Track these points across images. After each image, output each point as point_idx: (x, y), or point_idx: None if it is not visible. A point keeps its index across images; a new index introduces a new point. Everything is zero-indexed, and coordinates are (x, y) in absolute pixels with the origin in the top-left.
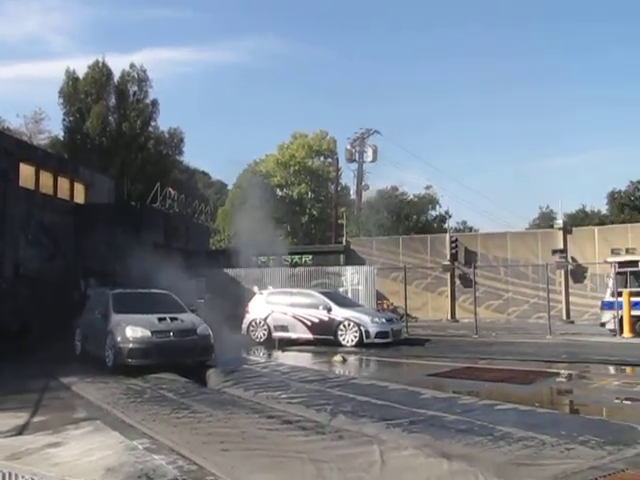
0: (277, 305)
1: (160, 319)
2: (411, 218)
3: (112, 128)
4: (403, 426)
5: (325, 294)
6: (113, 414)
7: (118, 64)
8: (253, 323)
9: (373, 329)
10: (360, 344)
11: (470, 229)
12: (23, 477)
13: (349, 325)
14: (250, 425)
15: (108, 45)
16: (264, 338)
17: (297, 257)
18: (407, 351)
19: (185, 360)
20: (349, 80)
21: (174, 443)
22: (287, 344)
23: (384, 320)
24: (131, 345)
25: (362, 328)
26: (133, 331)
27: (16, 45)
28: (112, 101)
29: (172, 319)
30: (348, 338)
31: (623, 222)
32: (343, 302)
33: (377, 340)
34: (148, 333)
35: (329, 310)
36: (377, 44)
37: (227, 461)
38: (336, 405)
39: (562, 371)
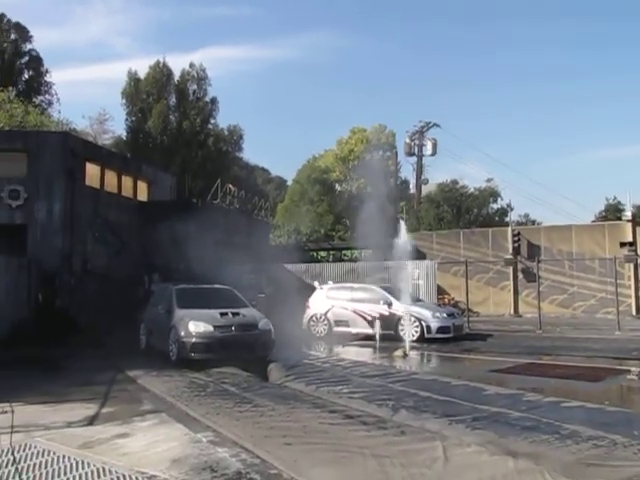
0: (337, 300)
1: (222, 314)
2: (472, 211)
3: (173, 127)
4: (466, 422)
5: (385, 289)
6: (177, 407)
7: (178, 64)
8: (314, 318)
9: (434, 324)
10: (421, 339)
11: (533, 222)
12: (95, 465)
13: (410, 320)
14: (312, 419)
15: (168, 45)
16: (325, 333)
17: (357, 251)
18: (469, 346)
19: (247, 355)
20: (407, 73)
21: (237, 436)
22: (348, 339)
23: (445, 315)
24: (194, 339)
25: (423, 323)
26: (196, 326)
27: (82, 49)
28: (172, 100)
29: (234, 314)
30: (409, 333)
31: None
32: (404, 297)
33: (438, 335)
34: (210, 328)
35: (390, 305)
36: (435, 36)
37: (289, 455)
38: (398, 400)
39: (633, 368)
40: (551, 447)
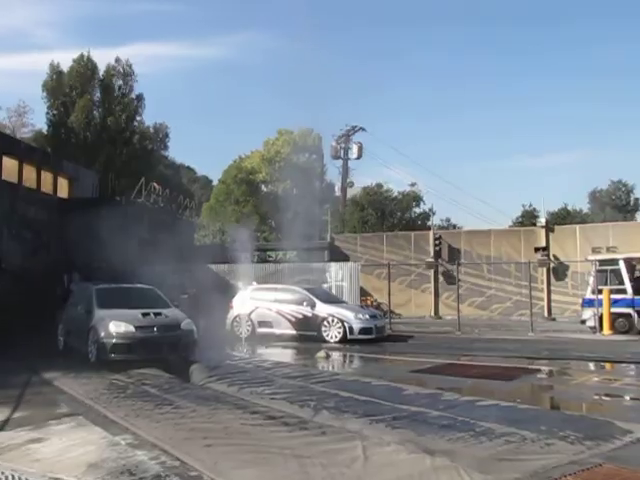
0: (261, 301)
1: (144, 314)
2: (395, 215)
3: (97, 122)
4: (386, 422)
5: (309, 290)
6: (96, 410)
7: (105, 58)
8: (237, 319)
9: (357, 325)
10: (344, 340)
11: (454, 226)
12: (3, 473)
13: (333, 321)
14: (233, 421)
15: (94, 38)
16: (248, 334)
17: (281, 253)
18: (390, 347)
19: (169, 355)
20: (336, 77)
21: (157, 439)
22: (271, 340)
23: (368, 316)
24: (114, 340)
25: (346, 324)
26: (116, 326)
27: (1, 37)
28: (97, 95)
29: (156, 314)
30: (332, 334)
31: (604, 221)
32: (327, 298)
33: (361, 336)
34: (132, 328)
35: (313, 306)
36: (361, 41)
37: (210, 457)
38: (319, 401)
39: (543, 368)
40: (466, 444)
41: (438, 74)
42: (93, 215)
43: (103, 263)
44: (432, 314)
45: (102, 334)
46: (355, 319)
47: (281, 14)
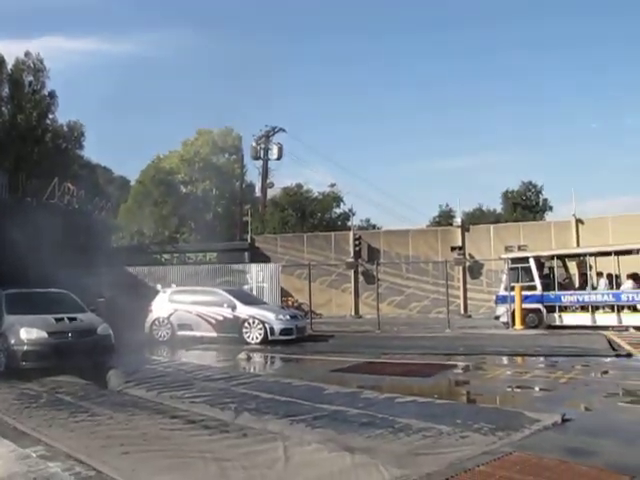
0: (181, 303)
1: (57, 319)
2: (315, 216)
3: (6, 119)
4: (307, 422)
5: (229, 292)
6: (4, 422)
7: (12, 52)
8: (156, 322)
9: (278, 326)
10: (265, 341)
11: (373, 226)
12: None
13: (254, 323)
14: (152, 426)
15: (1, 30)
16: (168, 337)
17: (201, 254)
18: (311, 347)
19: (85, 361)
20: (254, 77)
21: (71, 449)
22: (191, 343)
23: (288, 317)
24: (26, 347)
25: (267, 325)
26: (28, 332)
27: None
28: (5, 91)
29: (70, 319)
30: (253, 335)
31: (516, 220)
32: (248, 300)
33: (282, 337)
34: (44, 334)
35: (233, 308)
36: (285, 46)
37: (128, 464)
38: (240, 403)
39: (459, 363)
40: (385, 440)
41: (361, 79)
42: (2, 217)
43: (13, 267)
44: (352, 313)
45: (12, 341)
46: (276, 320)
47: (203, 11)
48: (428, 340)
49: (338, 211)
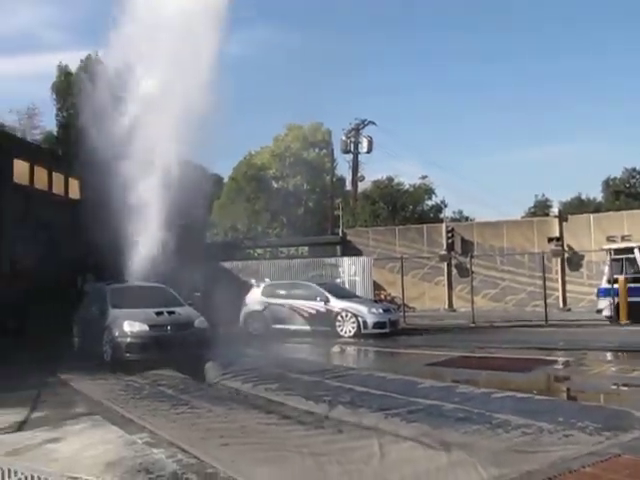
0: (274, 297)
1: (157, 313)
2: (407, 208)
3: None
4: (402, 416)
5: (322, 285)
6: (112, 409)
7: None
8: (251, 315)
9: (371, 319)
10: (358, 335)
11: (466, 218)
12: (23, 473)
13: (346, 316)
14: (249, 420)
15: (101, 38)
16: (262, 330)
17: (293, 249)
18: (405, 341)
19: (182, 354)
20: (345, 70)
21: (173, 437)
22: (285, 336)
23: (381, 310)
24: (129, 339)
25: (360, 319)
26: (131, 325)
27: (10, 39)
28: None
29: (169, 312)
30: (346, 329)
31: (618, 209)
32: (340, 293)
33: (375, 330)
34: (146, 327)
35: (326, 301)
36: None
37: (227, 455)
38: (335, 396)
39: (559, 358)
40: (483, 437)
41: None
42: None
43: (116, 263)
44: (446, 307)
45: (116, 333)
46: (369, 313)
47: (290, 8)
48: (525, 334)
49: (430, 203)
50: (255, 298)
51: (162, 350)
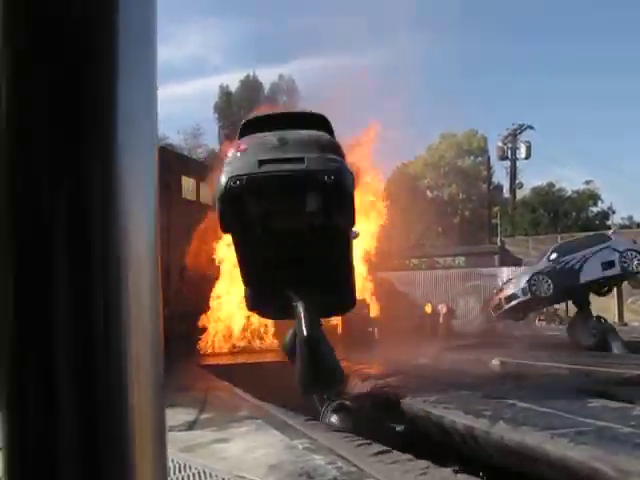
0: None
1: None
2: (570, 215)
3: None
4: (569, 436)
5: None
6: (273, 414)
7: (269, 76)
8: None
9: None
10: None
11: (638, 225)
12: (196, 468)
13: None
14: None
15: (259, 57)
16: None
17: (450, 259)
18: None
19: None
20: (500, 78)
21: (333, 444)
22: None
23: None
24: None
25: None
26: None
27: (177, 65)
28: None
29: None
30: None
31: None
32: None
33: None
34: None
35: None
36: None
37: (384, 467)
38: (495, 411)
39: None
40: None
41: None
42: None
43: None
44: (616, 320)
45: None
46: None
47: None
48: None
49: (595, 210)
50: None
51: None
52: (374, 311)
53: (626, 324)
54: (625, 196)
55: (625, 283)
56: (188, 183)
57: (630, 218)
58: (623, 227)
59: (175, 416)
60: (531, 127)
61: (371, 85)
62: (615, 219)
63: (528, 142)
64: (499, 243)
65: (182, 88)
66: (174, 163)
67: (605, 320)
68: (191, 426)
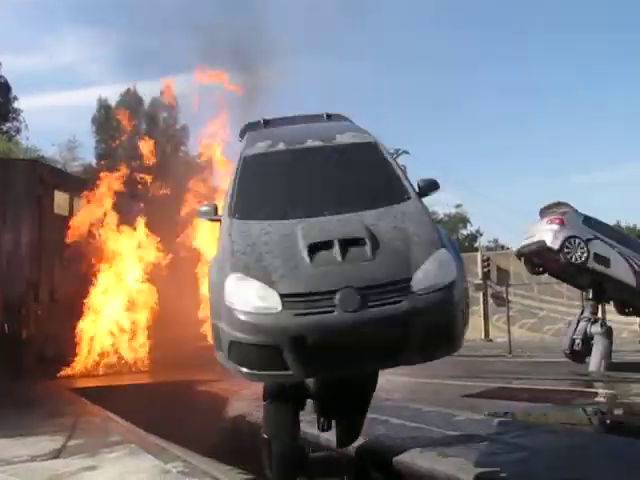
0: None
1: None
2: None
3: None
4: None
5: None
6: (146, 438)
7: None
8: None
9: None
10: None
11: (502, 247)
12: None
13: None
14: None
15: (140, 72)
16: None
17: None
18: (441, 371)
19: None
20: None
21: (209, 466)
22: None
23: None
24: None
25: None
26: None
27: (50, 75)
28: (143, 127)
29: None
30: None
31: None
32: None
33: None
34: None
35: None
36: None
37: None
38: (369, 428)
39: (601, 390)
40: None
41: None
42: None
43: None
44: (482, 337)
45: None
46: None
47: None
48: (564, 365)
49: (465, 232)
50: None
51: None
52: None
53: (491, 340)
54: (491, 220)
55: (491, 302)
56: (60, 198)
57: (496, 240)
58: (489, 249)
59: (38, 444)
60: (406, 152)
61: None
62: (482, 241)
63: (404, 166)
64: None
65: (55, 99)
66: (46, 176)
67: None
68: (57, 454)
